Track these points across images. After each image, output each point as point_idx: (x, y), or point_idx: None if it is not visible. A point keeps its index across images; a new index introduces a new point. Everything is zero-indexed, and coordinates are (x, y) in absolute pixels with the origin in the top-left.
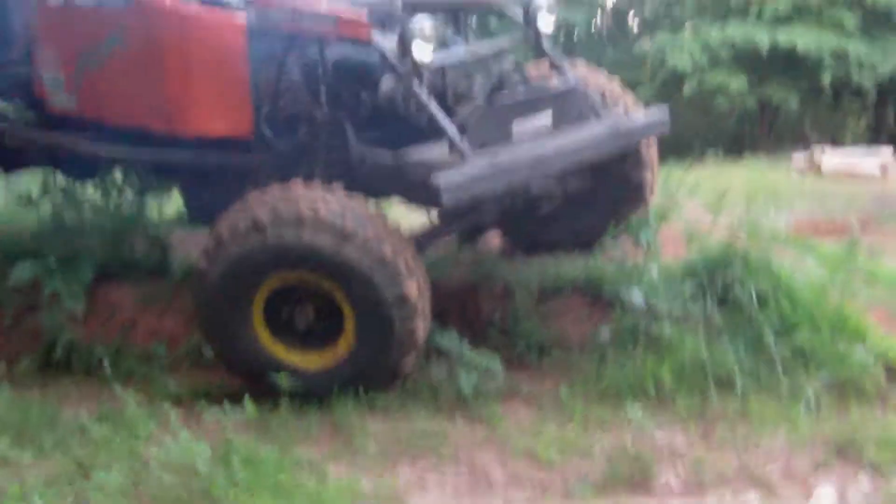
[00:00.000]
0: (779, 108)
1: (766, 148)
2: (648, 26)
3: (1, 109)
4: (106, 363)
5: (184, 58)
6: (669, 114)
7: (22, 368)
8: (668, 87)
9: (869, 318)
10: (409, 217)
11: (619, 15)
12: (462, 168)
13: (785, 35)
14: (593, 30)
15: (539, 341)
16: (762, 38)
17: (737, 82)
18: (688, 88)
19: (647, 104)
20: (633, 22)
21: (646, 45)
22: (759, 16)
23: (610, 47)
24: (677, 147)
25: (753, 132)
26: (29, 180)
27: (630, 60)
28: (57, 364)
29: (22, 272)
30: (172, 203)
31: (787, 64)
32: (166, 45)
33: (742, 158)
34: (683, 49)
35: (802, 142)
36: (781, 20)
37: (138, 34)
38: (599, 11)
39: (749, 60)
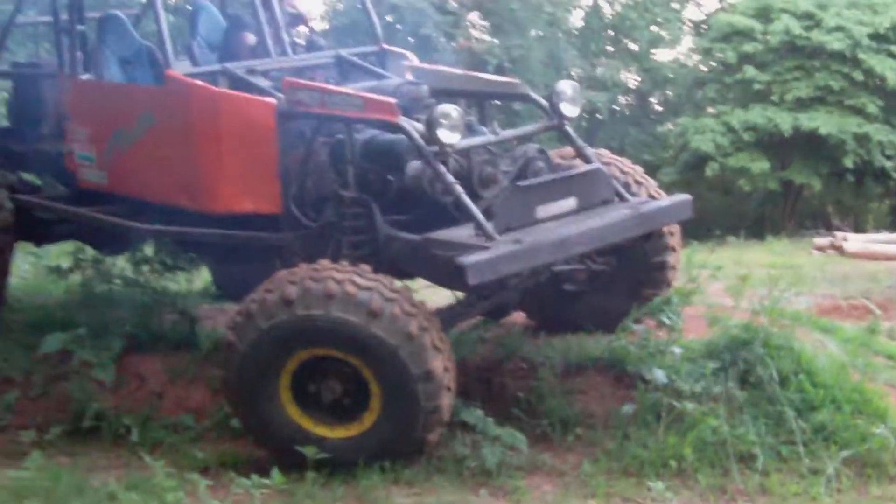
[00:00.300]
0: (801, 190)
1: (788, 230)
2: (671, 108)
3: (32, 183)
4: (134, 432)
5: (214, 137)
6: (692, 196)
7: (51, 436)
8: (690, 169)
9: (889, 398)
10: (435, 296)
11: (641, 97)
12: (487, 251)
13: (807, 119)
14: (616, 111)
15: (563, 417)
16: (784, 121)
17: (759, 165)
18: (710, 170)
19: (669, 185)
20: (656, 104)
21: (669, 127)
22: (781, 100)
23: (632, 128)
24: (700, 228)
25: (776, 214)
26: (58, 253)
27: (653, 142)
28: (86, 432)
29: (52, 342)
30: (201, 277)
31: (810, 147)
32: (198, 124)
33: (764, 240)
34: (706, 132)
35: (825, 223)
36: (804, 104)
37: (170, 113)
38: (622, 93)
39: (771, 144)
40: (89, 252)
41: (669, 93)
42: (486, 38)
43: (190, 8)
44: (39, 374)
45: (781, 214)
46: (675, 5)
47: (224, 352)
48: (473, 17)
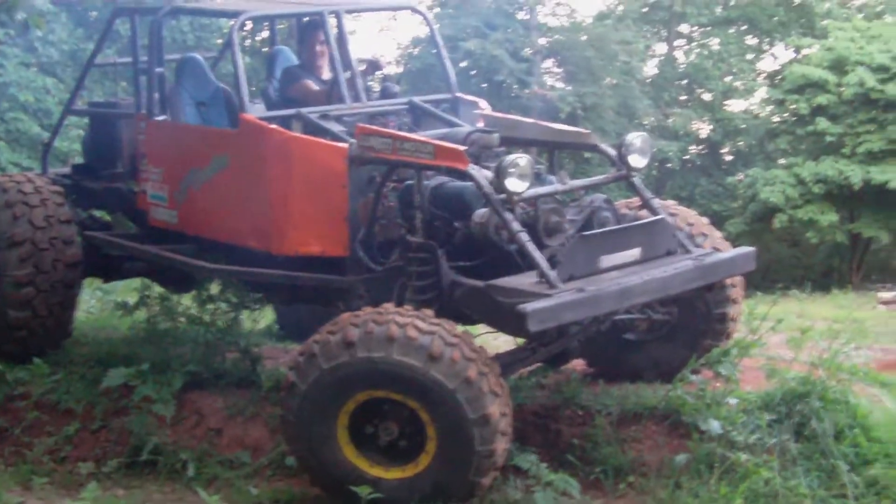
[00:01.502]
0: (869, 243)
1: (855, 283)
2: (742, 158)
3: (102, 220)
4: (190, 467)
5: (286, 180)
6: (758, 246)
7: (109, 468)
8: (758, 220)
9: None
10: (496, 341)
11: (712, 147)
12: (549, 299)
13: (878, 172)
14: (687, 160)
15: (616, 465)
16: (855, 174)
17: (827, 217)
18: (778, 222)
19: (737, 236)
20: (727, 154)
21: (738, 178)
22: (853, 153)
23: (703, 178)
24: (766, 280)
25: (843, 267)
26: (125, 289)
27: (722, 192)
28: (143, 466)
29: (115, 377)
30: (265, 317)
31: (879, 200)
32: (270, 167)
33: (830, 293)
34: (775, 183)
35: (893, 277)
36: (875, 157)
37: (243, 156)
38: (693, 143)
39: (841, 196)
40: (156, 289)
41: (741, 143)
42: (560, 85)
43: (266, 50)
44: (100, 408)
45: (849, 268)
46: (749, 56)
47: (284, 391)
48: (548, 64)
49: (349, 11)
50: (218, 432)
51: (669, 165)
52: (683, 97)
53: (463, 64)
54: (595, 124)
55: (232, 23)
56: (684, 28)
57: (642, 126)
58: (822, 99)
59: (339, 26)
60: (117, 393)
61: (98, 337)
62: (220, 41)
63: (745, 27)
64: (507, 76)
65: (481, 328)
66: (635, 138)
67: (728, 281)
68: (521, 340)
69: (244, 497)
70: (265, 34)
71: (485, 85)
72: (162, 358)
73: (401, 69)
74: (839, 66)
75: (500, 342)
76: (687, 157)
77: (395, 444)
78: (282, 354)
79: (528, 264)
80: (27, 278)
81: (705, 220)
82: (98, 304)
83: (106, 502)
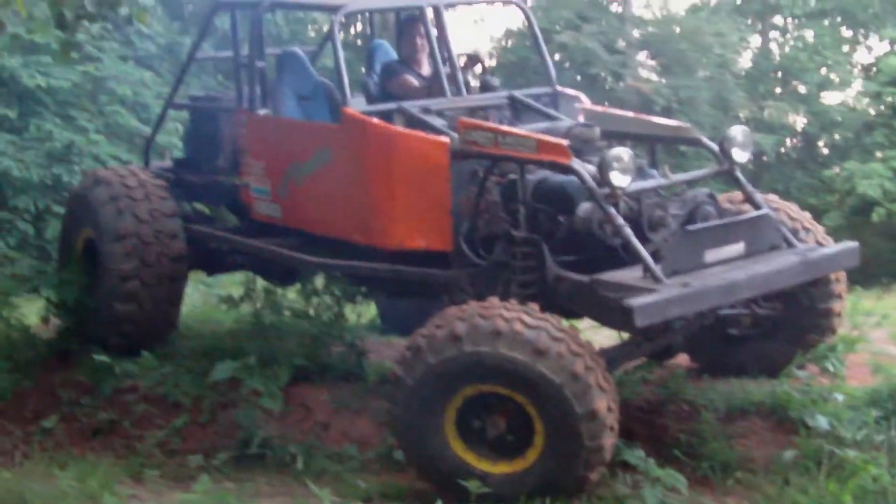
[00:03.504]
0: None
1: None
2: (838, 152)
3: (204, 214)
4: (299, 460)
5: (389, 174)
6: (857, 240)
7: (218, 461)
8: (856, 214)
9: None
10: (600, 336)
11: (808, 140)
12: (655, 293)
13: None
14: (783, 154)
15: (724, 461)
16: None
17: None
18: (876, 215)
19: (834, 230)
20: (823, 147)
21: (835, 172)
22: None
23: (799, 172)
24: (865, 274)
25: None
26: (227, 283)
27: (819, 186)
28: (251, 459)
29: (222, 370)
30: (368, 311)
31: None
32: (372, 161)
33: None
34: (873, 176)
35: None
36: None
37: (346, 150)
38: (789, 136)
39: None
40: (260, 283)
41: (837, 136)
42: (654, 78)
43: (360, 43)
44: (208, 401)
45: None
46: (845, 48)
47: (391, 385)
48: (642, 56)
49: (448, 5)
50: (325, 426)
51: (765, 159)
52: (778, 90)
53: (556, 56)
54: (690, 117)
55: (333, 17)
56: (778, 20)
57: (737, 119)
58: None
59: (439, 20)
60: (225, 386)
61: (203, 330)
62: (313, 34)
63: (839, 19)
64: (602, 69)
65: (585, 323)
66: (737, 132)
67: (832, 276)
68: (625, 335)
69: (352, 490)
70: (359, 27)
71: (579, 77)
72: (268, 351)
73: (494, 62)
74: None
75: (601, 337)
76: (782, 150)
77: (503, 438)
78: (385, 348)
79: (632, 259)
80: (133, 272)
81: (807, 214)
82: (200, 297)
83: (217, 495)
